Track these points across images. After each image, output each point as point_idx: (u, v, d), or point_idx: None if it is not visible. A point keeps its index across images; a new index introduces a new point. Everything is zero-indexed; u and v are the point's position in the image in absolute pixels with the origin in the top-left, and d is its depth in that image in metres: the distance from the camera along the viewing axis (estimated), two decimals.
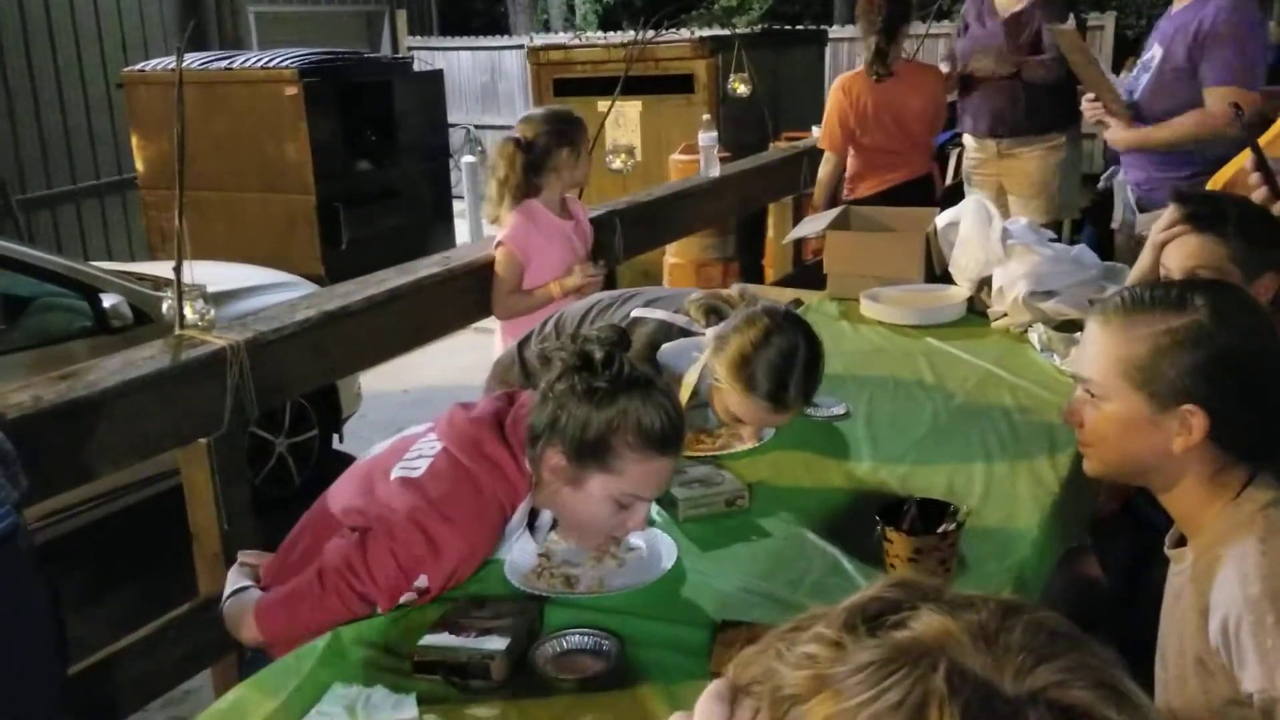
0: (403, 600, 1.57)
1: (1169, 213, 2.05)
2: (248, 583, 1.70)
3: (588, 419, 1.56)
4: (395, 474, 1.63)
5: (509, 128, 3.57)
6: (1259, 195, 1.78)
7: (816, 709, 0.56)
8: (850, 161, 4.40)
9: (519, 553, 1.68)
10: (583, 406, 1.57)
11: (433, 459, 1.61)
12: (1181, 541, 1.38)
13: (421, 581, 1.56)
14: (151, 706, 2.67)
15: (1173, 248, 2.04)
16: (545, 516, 1.74)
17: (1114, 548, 2.06)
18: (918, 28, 5.40)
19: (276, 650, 1.57)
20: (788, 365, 2.02)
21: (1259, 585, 1.21)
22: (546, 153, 3.16)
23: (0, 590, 1.70)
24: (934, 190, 4.47)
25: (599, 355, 1.58)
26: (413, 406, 5.15)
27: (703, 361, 2.10)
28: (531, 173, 3.17)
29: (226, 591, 1.70)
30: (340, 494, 1.71)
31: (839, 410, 2.27)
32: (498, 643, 1.39)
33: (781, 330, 2.05)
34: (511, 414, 1.67)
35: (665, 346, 2.19)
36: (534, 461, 1.62)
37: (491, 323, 3.36)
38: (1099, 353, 1.36)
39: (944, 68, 4.43)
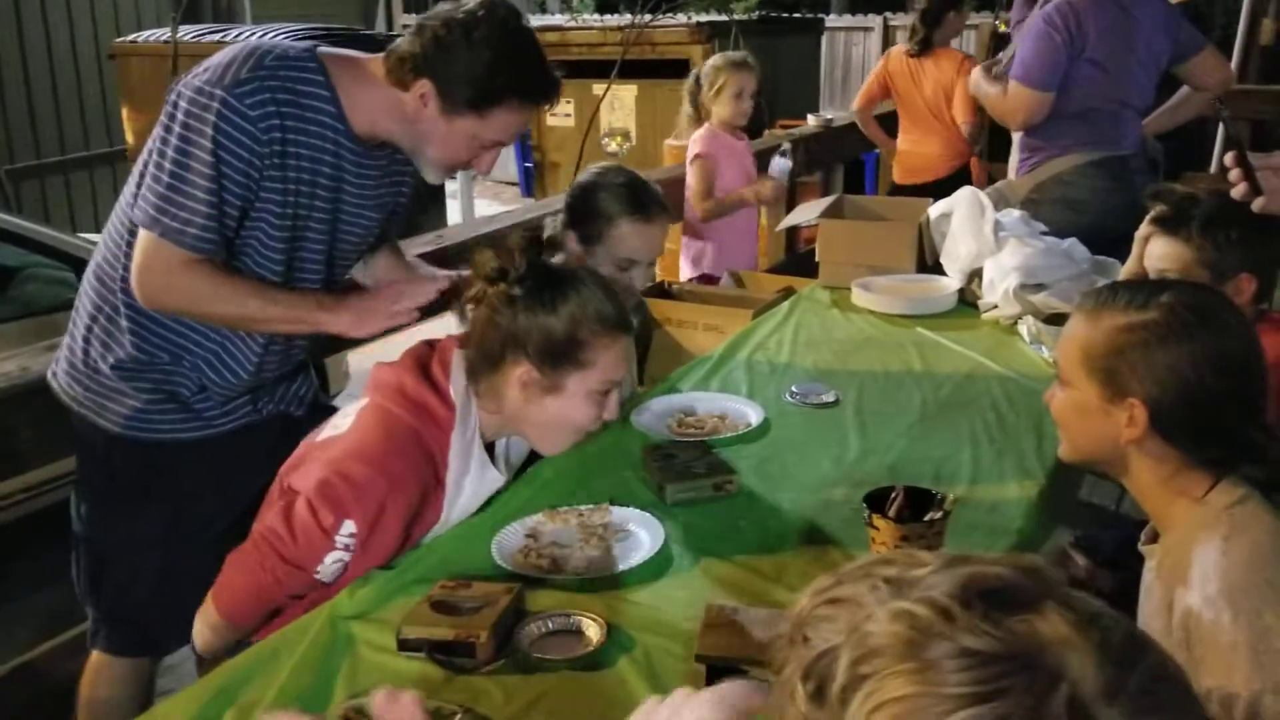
0: (332, 559, 1.54)
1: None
2: None
3: (549, 325, 1.60)
4: (321, 437, 1.69)
5: None
6: (1239, 191, 1.78)
7: (897, 680, 0.51)
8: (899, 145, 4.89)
9: (507, 533, 1.68)
10: (537, 315, 1.60)
11: (358, 415, 1.65)
12: (1156, 538, 1.40)
13: (348, 528, 1.53)
14: None
15: (1148, 248, 2.06)
16: (503, 445, 1.77)
17: (1100, 540, 2.07)
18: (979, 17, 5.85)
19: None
20: (629, 178, 2.27)
21: (1217, 584, 1.22)
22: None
23: None
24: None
25: (519, 264, 1.63)
26: None
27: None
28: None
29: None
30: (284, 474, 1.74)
31: (828, 398, 2.27)
32: (483, 623, 1.39)
33: (603, 169, 2.30)
34: (436, 356, 1.70)
35: None
36: (489, 388, 1.65)
37: None
38: (1068, 340, 1.44)
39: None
